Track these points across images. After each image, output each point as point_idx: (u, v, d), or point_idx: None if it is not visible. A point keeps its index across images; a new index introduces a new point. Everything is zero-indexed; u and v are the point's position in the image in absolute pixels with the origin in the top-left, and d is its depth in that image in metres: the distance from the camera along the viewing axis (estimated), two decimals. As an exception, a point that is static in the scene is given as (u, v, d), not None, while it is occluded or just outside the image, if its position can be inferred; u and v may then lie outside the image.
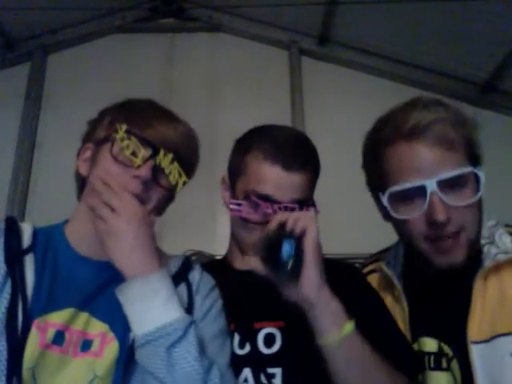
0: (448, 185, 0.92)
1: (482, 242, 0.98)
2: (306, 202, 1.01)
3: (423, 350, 0.99)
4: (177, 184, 0.91)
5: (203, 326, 0.90)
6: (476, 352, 0.90)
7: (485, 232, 0.99)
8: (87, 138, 0.97)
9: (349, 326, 0.88)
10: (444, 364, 0.96)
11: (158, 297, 0.82)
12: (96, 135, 0.94)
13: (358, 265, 1.24)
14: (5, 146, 2.67)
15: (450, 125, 0.94)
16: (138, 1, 2.95)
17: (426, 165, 0.93)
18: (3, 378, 0.76)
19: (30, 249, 0.88)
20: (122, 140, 0.87)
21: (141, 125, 0.90)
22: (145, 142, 0.88)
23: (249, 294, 1.01)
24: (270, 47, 2.93)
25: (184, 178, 0.92)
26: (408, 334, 1.01)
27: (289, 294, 0.90)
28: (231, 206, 1.04)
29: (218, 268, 1.10)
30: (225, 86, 2.82)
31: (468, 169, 0.93)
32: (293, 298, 0.90)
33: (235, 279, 1.06)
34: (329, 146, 2.70)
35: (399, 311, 1.04)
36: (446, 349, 0.97)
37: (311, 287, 0.88)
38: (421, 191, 0.92)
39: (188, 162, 0.95)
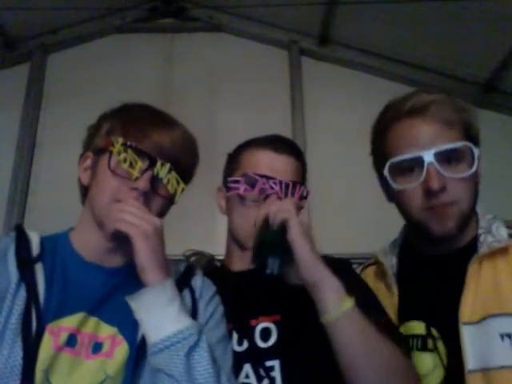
0: (445, 158, 0.98)
1: (480, 231, 1.02)
2: (298, 183, 1.07)
3: (410, 332, 1.03)
4: (175, 192, 0.93)
5: (206, 331, 0.91)
6: (467, 333, 0.93)
7: (483, 223, 1.04)
8: (87, 145, 0.99)
9: (349, 301, 0.90)
10: (430, 345, 1.00)
11: (174, 303, 0.84)
12: (95, 143, 0.96)
13: (356, 265, 1.25)
14: (5, 146, 2.67)
15: (448, 106, 1.01)
16: (137, 1, 2.95)
17: (424, 138, 0.99)
18: (18, 382, 0.78)
19: (39, 257, 0.90)
20: (119, 153, 0.89)
21: (137, 135, 0.91)
22: (141, 153, 0.90)
23: (244, 293, 1.04)
24: (270, 47, 2.93)
25: (182, 185, 0.94)
26: (395, 319, 1.05)
27: (291, 280, 0.94)
28: (229, 185, 1.08)
29: (215, 272, 1.13)
30: (225, 86, 2.82)
31: (463, 143, 0.99)
32: (297, 283, 0.93)
33: (231, 280, 1.09)
34: (329, 146, 2.71)
35: (389, 297, 1.08)
36: (434, 331, 1.00)
37: (306, 271, 0.91)
38: (419, 162, 0.98)
39: (186, 169, 0.98)
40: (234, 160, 1.14)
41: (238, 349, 0.99)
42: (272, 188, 1.02)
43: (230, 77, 2.84)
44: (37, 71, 2.82)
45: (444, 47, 2.59)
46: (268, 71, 2.87)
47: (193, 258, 1.26)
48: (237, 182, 1.06)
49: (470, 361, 0.91)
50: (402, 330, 1.04)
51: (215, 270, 1.16)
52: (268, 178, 1.03)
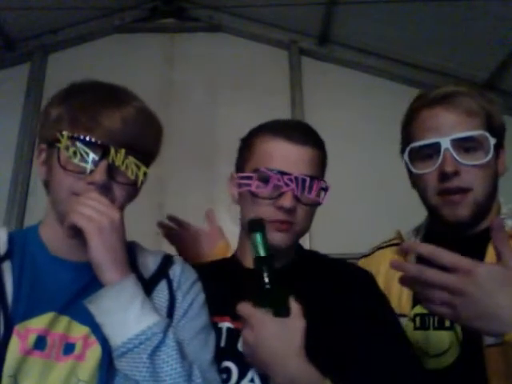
0: (461, 145, 1.02)
1: (501, 217, 1.05)
2: (316, 177, 0.99)
3: (427, 311, 1.03)
4: (137, 177, 0.87)
5: (186, 323, 0.89)
6: None
7: (504, 210, 1.07)
8: (40, 135, 0.93)
9: None
10: (447, 323, 1.02)
11: (134, 303, 0.80)
12: (45, 133, 0.90)
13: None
14: (5, 146, 2.67)
15: (471, 97, 1.04)
16: (137, 1, 2.95)
17: (443, 125, 1.03)
18: None
19: (7, 256, 0.86)
20: (67, 148, 0.83)
21: (86, 124, 0.84)
22: (92, 144, 0.83)
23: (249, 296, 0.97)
24: (270, 47, 2.93)
25: (143, 168, 0.87)
26: (410, 299, 1.07)
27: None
28: (240, 181, 1.01)
29: (226, 266, 1.09)
30: (225, 86, 2.82)
31: (480, 132, 1.02)
32: None
33: (244, 278, 1.02)
34: (328, 146, 2.69)
35: None
36: None
37: None
38: (436, 148, 1.02)
39: (146, 148, 0.91)
40: (246, 147, 1.06)
41: None
42: (287, 185, 0.95)
43: (230, 77, 2.84)
44: (37, 71, 2.82)
45: (444, 47, 2.59)
46: (268, 71, 2.87)
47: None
48: (249, 178, 0.99)
49: (488, 339, 0.92)
50: (418, 309, 1.06)
51: (226, 264, 1.11)
52: (282, 173, 0.96)
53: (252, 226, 0.90)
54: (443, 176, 1.01)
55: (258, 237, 0.88)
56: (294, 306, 0.87)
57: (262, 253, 0.87)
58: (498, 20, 2.29)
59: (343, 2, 2.54)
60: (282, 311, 0.86)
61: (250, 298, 0.88)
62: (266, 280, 0.87)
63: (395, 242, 1.22)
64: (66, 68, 2.85)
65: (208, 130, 2.68)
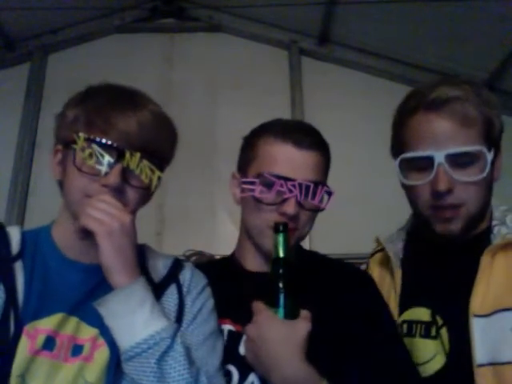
0: (456, 159, 0.95)
1: (493, 223, 1.01)
2: (320, 183, 0.98)
3: (415, 318, 1.02)
4: (151, 181, 0.87)
5: (194, 328, 0.89)
6: (477, 325, 0.91)
7: (497, 215, 1.02)
8: (56, 136, 0.93)
9: None
10: (433, 332, 0.99)
11: (143, 307, 0.80)
12: (62, 134, 0.90)
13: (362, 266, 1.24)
14: (5, 146, 2.67)
15: (470, 102, 0.97)
16: (137, 1, 2.95)
17: (438, 137, 0.96)
18: None
19: (19, 255, 0.86)
20: (83, 150, 0.83)
21: (102, 126, 0.84)
22: (107, 146, 0.83)
23: (259, 296, 0.95)
24: (270, 47, 2.93)
25: (157, 173, 0.87)
26: (396, 306, 1.05)
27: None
28: (243, 186, 1.00)
29: (226, 268, 1.08)
30: (224, 86, 2.82)
31: (477, 147, 0.95)
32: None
33: (246, 281, 1.03)
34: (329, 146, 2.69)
35: (392, 282, 1.08)
36: (438, 318, 0.99)
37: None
38: (429, 161, 0.96)
39: (160, 152, 0.90)
40: (249, 147, 1.04)
41: None
42: (290, 191, 0.94)
43: (230, 77, 2.84)
44: (37, 71, 2.82)
45: (444, 47, 2.59)
46: (268, 71, 2.87)
47: (193, 258, 1.26)
48: (252, 183, 0.97)
49: (479, 354, 0.90)
50: (406, 315, 1.03)
51: (225, 265, 1.10)
52: (286, 179, 0.94)
53: (276, 228, 0.91)
54: (436, 193, 0.96)
55: (281, 238, 0.89)
56: (303, 310, 0.87)
57: (282, 254, 0.89)
58: (497, 20, 2.29)
59: (343, 2, 2.54)
60: (292, 313, 0.87)
61: (263, 298, 0.88)
62: (281, 283, 0.88)
63: (378, 248, 1.20)
64: (66, 68, 2.85)
65: (208, 129, 2.69)
